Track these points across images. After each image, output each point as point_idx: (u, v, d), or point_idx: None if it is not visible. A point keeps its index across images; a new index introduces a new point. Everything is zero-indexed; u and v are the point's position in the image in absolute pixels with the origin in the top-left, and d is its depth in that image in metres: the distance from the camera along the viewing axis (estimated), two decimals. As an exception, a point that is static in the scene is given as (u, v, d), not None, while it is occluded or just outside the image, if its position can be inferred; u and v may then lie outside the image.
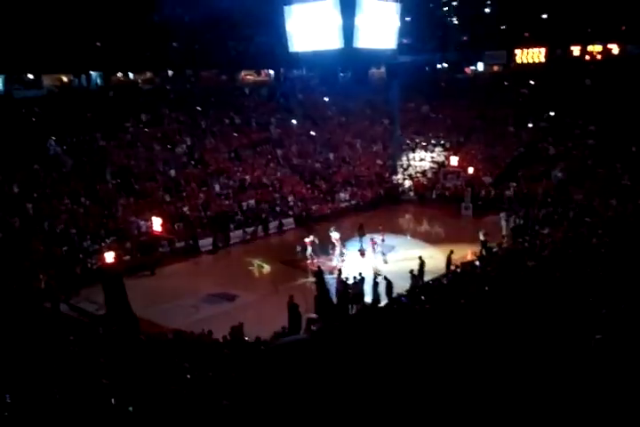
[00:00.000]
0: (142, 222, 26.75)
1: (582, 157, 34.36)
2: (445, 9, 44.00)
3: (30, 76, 40.50)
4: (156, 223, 24.58)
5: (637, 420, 7.03)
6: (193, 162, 34.10)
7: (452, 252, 22.24)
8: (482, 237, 24.45)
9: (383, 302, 18.78)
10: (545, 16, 45.57)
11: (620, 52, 41.71)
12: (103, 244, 24.47)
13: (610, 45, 41.95)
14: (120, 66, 42.75)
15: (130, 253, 24.79)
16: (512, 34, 45.92)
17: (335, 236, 25.50)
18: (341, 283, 19.46)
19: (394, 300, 17.08)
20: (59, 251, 23.56)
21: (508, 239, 25.43)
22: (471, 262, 20.78)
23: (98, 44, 39.88)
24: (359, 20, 34.70)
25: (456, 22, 45.47)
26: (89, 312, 19.37)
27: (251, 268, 25.07)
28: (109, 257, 19.04)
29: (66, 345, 13.32)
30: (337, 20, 34.97)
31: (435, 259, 23.00)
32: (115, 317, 17.78)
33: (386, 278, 19.46)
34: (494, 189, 33.75)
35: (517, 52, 45.10)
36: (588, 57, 43.07)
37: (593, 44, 42.68)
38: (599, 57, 42.64)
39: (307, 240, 25.11)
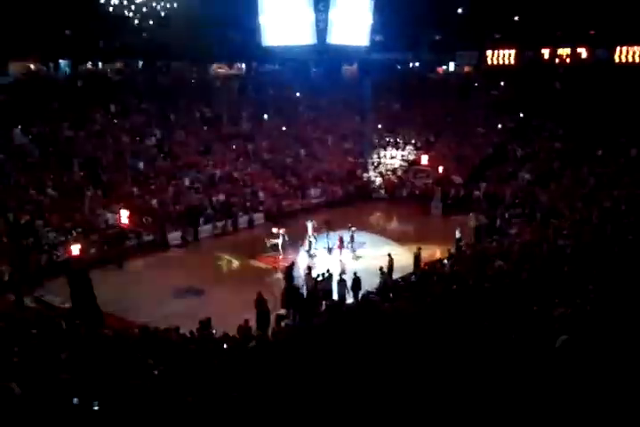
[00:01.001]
0: (110, 215, 26.39)
1: (549, 159, 34.85)
2: (418, 7, 44.08)
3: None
4: (124, 216, 24.26)
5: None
6: (162, 155, 33.70)
7: (419, 249, 22.41)
8: (458, 235, 24.79)
9: (350, 299, 18.86)
10: (516, 18, 45.98)
11: (589, 56, 42.29)
12: (69, 236, 24.08)
13: (579, 49, 42.50)
14: (89, 55, 42.12)
15: (97, 246, 24.44)
16: (483, 35, 46.23)
17: (310, 226, 25.52)
18: (310, 279, 19.46)
19: (362, 297, 17.14)
20: (23, 242, 23.12)
21: (472, 238, 25.70)
22: (440, 261, 20.98)
23: (67, 32, 39.21)
24: (332, 16, 34.76)
25: (428, 21, 45.58)
26: (53, 305, 19.04)
27: (219, 263, 24.97)
28: (75, 249, 18.77)
29: (28, 339, 13.07)
30: (310, 14, 34.99)
31: (404, 256, 23.17)
32: (80, 310, 17.53)
33: (355, 275, 19.50)
34: (464, 188, 34.04)
35: (488, 53, 45.44)
36: (557, 60, 43.57)
37: (563, 47, 43.21)
38: (568, 60, 43.18)
39: (276, 233, 25.12)
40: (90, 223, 25.95)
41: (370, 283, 19.09)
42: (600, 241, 17.65)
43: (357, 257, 24.94)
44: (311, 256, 24.91)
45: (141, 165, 31.91)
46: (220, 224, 29.22)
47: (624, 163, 31.67)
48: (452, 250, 22.56)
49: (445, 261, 20.55)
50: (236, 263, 24.87)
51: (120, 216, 24.63)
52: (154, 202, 28.98)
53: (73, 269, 18.77)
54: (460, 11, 49.01)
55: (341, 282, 19.44)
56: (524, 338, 10.02)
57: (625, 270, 13.90)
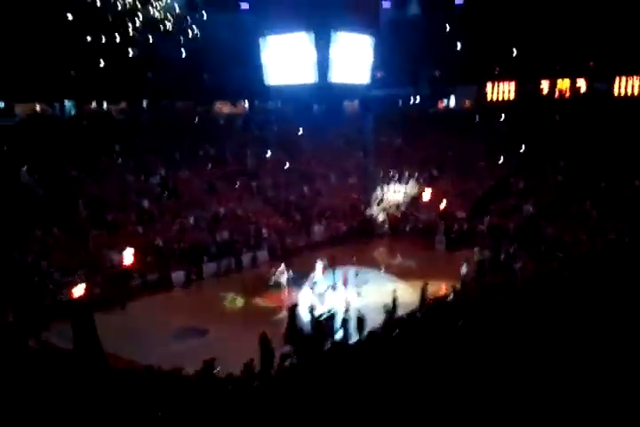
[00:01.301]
0: (114, 254, 26.41)
1: (552, 192, 34.92)
2: (417, 43, 44.86)
3: (1, 104, 40.28)
4: (128, 255, 24.28)
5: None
6: (167, 193, 33.94)
7: (426, 284, 22.30)
8: (464, 270, 24.69)
9: (354, 338, 18.69)
10: (515, 52, 46.68)
11: (588, 88, 42.81)
12: (74, 276, 24.06)
13: (578, 81, 43.07)
14: (94, 95, 42.72)
15: (101, 286, 24.40)
16: (483, 69, 46.86)
17: (319, 266, 25.49)
18: (314, 318, 19.34)
19: (367, 335, 17.01)
20: (28, 283, 23.11)
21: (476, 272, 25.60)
22: (445, 296, 20.85)
23: (72, 72, 39.85)
24: (334, 54, 35.24)
25: (428, 57, 46.34)
26: (57, 347, 18.92)
27: (224, 302, 24.86)
28: (79, 290, 18.75)
29: (33, 381, 12.99)
30: (312, 53, 35.44)
31: (408, 293, 23.04)
32: (83, 352, 17.42)
33: (359, 313, 19.38)
34: (468, 222, 34.04)
35: (488, 86, 46.10)
36: (557, 93, 44.10)
37: (562, 79, 43.76)
38: (568, 93, 43.68)
39: (280, 271, 25.07)
40: (94, 263, 25.98)
41: (374, 320, 18.94)
42: (605, 273, 17.59)
43: (361, 294, 24.77)
44: (315, 294, 24.77)
45: (146, 203, 32.10)
46: (223, 262, 29.20)
47: (628, 195, 31.75)
48: (457, 285, 22.43)
49: (450, 296, 20.43)
50: (240, 302, 24.74)
51: (124, 256, 24.65)
52: (158, 241, 29.04)
53: (77, 309, 18.71)
54: (458, 46, 49.81)
55: (345, 320, 19.30)
56: (528, 374, 9.94)
57: (631, 303, 13.83)
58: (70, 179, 32.06)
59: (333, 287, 25.22)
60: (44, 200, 29.68)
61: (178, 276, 27.14)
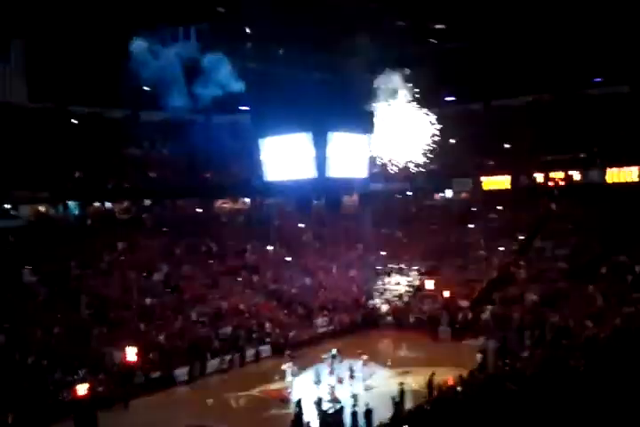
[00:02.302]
0: (116, 352, 26.11)
1: (554, 279, 34.99)
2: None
3: (8, 206, 40.97)
4: (131, 353, 24.04)
5: None
6: (169, 289, 33.99)
7: (433, 374, 22.00)
8: (479, 360, 24.48)
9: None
10: (507, 146, 48.14)
11: (582, 177, 43.76)
12: (76, 375, 23.71)
13: (571, 172, 44.05)
14: (98, 196, 43.63)
15: (103, 385, 23.97)
16: (476, 163, 48.17)
17: (325, 359, 25.19)
18: (321, 411, 18.96)
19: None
20: (29, 383, 22.73)
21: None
22: (453, 387, 20.51)
23: (76, 174, 40.93)
24: (331, 151, 36.41)
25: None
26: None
27: (227, 399, 24.28)
28: (82, 390, 18.52)
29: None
30: (310, 151, 36.60)
31: (416, 383, 22.69)
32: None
33: (367, 406, 19.03)
34: (471, 312, 33.90)
35: (483, 179, 47.20)
36: (551, 183, 44.99)
37: (555, 171, 44.83)
38: (562, 183, 44.58)
39: (284, 366, 24.73)
40: (96, 361, 25.62)
41: (382, 413, 18.57)
42: (613, 360, 17.45)
43: (368, 387, 24.33)
44: (321, 387, 24.31)
45: (148, 300, 32.08)
46: (226, 358, 28.80)
47: (632, 280, 31.88)
48: (464, 375, 22.11)
49: (458, 387, 20.10)
50: (244, 399, 24.26)
51: (127, 353, 24.40)
52: (161, 337, 28.79)
53: (80, 409, 18.39)
54: (452, 141, 51.48)
55: (354, 413, 18.91)
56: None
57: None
58: (73, 277, 32.21)
59: (340, 381, 24.82)
60: (46, 300, 29.68)
61: (181, 373, 26.69)
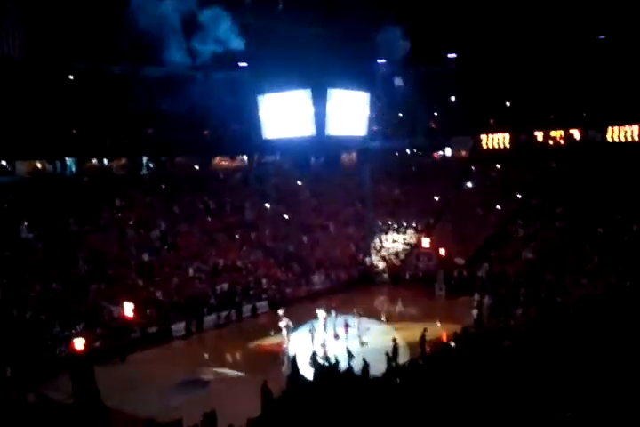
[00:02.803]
0: (114, 308, 26.34)
1: (551, 238, 35.06)
2: (413, 97, 45.81)
3: (3, 162, 40.73)
4: (128, 308, 24.21)
5: None
6: (166, 246, 34.07)
7: (425, 330, 22.20)
8: (475, 316, 24.72)
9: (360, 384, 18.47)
10: (508, 103, 47.60)
11: (582, 136, 43.41)
12: (73, 330, 23.95)
13: (571, 131, 43.69)
14: (95, 152, 43.29)
15: (100, 339, 24.24)
16: (477, 120, 47.69)
17: (321, 315, 25.36)
18: (317, 366, 19.16)
19: (370, 382, 16.86)
20: (27, 338, 22.96)
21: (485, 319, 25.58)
22: (446, 343, 20.73)
23: (74, 131, 40.53)
24: (331, 109, 36.04)
25: (424, 110, 47.16)
26: (57, 402, 18.70)
27: (224, 353, 24.56)
28: (79, 344, 18.68)
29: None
30: (309, 108, 36.22)
31: (409, 340, 22.92)
32: (83, 406, 17.22)
33: (364, 361, 19.22)
34: (467, 269, 34.07)
35: (483, 137, 46.81)
36: (551, 142, 44.67)
37: (555, 129, 44.44)
38: (562, 142, 44.27)
39: (281, 322, 24.93)
40: (94, 316, 25.87)
41: (377, 368, 18.78)
42: (607, 317, 17.57)
43: (363, 343, 24.60)
44: (317, 343, 24.57)
45: (146, 257, 32.18)
46: (223, 314, 29.07)
47: (627, 239, 31.91)
48: (458, 331, 22.35)
49: (452, 343, 20.32)
50: (240, 352, 24.55)
51: (124, 309, 24.59)
52: (158, 293, 28.99)
53: (76, 364, 18.59)
54: (453, 99, 50.88)
55: (349, 369, 19.10)
56: (533, 417, 9.87)
57: (633, 347, 13.79)
58: (70, 234, 32.22)
59: (336, 336, 25.09)
60: (44, 255, 29.77)
61: (178, 328, 26.97)
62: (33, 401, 18.68)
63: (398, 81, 49.96)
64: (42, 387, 19.86)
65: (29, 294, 26.21)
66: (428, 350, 21.07)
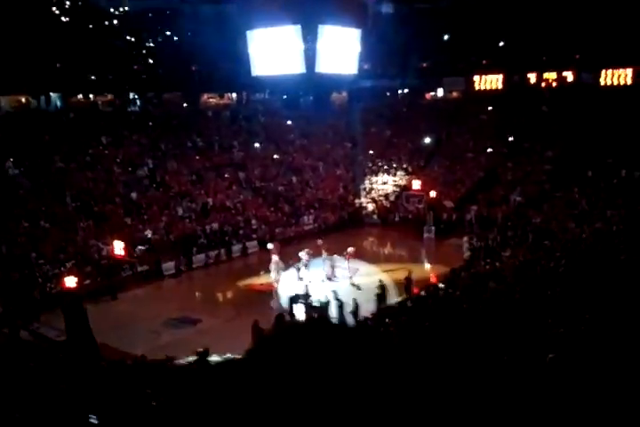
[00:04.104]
0: (103, 246, 26.34)
1: (540, 181, 35.11)
2: (405, 35, 44.78)
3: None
4: (118, 247, 24.22)
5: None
6: (154, 185, 33.81)
7: (410, 272, 22.41)
8: (466, 257, 24.98)
9: (350, 324, 18.72)
10: (502, 44, 46.73)
11: (575, 79, 42.91)
12: (63, 268, 23.98)
13: (565, 73, 43.15)
14: (80, 87, 42.35)
15: (90, 278, 24.33)
16: (470, 61, 46.93)
17: (305, 257, 25.48)
18: (306, 307, 19.39)
19: (359, 323, 17.07)
20: (17, 275, 23.00)
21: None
22: (435, 285, 20.97)
23: (58, 65, 39.48)
24: (321, 46, 35.21)
25: (415, 49, 46.23)
26: (49, 338, 18.89)
27: (214, 291, 24.78)
28: (70, 281, 18.70)
29: (25, 372, 12.95)
30: (299, 45, 35.34)
31: (398, 281, 23.17)
32: (75, 343, 17.40)
33: (355, 301, 19.46)
34: (455, 212, 34.21)
35: (476, 78, 46.15)
36: (543, 84, 44.18)
37: (549, 71, 43.86)
38: (555, 84, 43.78)
39: (272, 249, 25.08)
40: (83, 255, 25.88)
41: (366, 309, 19.05)
42: (592, 262, 17.73)
43: (353, 284, 24.83)
44: (306, 282, 24.75)
45: (134, 195, 31.97)
46: (213, 253, 29.19)
47: (616, 183, 31.98)
48: (447, 273, 22.62)
49: (440, 284, 20.55)
50: (230, 291, 24.77)
51: (113, 247, 24.59)
52: (147, 232, 28.97)
53: (68, 301, 18.67)
54: (446, 38, 49.81)
55: (340, 307, 19.36)
56: (517, 360, 10.02)
57: (617, 290, 13.95)
58: (57, 171, 31.81)
59: (326, 277, 25.26)
60: (31, 192, 29.46)
61: (168, 267, 27.10)
62: (25, 337, 18.89)
63: (388, 11, 48.64)
64: (34, 324, 20.07)
65: (17, 231, 26.08)
66: (416, 291, 21.34)
